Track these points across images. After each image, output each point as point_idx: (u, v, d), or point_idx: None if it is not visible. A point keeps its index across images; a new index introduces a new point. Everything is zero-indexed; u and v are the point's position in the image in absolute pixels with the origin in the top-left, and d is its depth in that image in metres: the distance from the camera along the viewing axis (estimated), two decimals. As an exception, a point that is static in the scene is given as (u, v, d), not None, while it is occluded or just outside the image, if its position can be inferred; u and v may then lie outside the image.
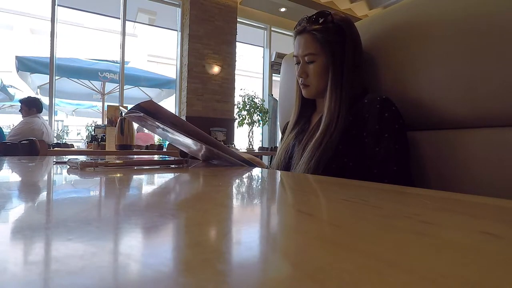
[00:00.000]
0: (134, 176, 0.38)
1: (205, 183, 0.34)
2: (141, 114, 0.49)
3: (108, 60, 5.03)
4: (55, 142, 3.27)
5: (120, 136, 1.77)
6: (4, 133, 3.02)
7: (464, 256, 0.12)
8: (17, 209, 0.20)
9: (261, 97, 5.17)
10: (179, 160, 0.54)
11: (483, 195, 0.25)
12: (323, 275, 0.09)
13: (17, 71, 4.30)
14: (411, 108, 0.65)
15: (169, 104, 5.18)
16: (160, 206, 0.22)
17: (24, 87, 5.64)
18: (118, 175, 0.39)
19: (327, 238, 0.13)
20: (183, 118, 4.32)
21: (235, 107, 4.71)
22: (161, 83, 4.94)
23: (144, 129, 5.57)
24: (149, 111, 0.49)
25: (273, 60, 5.28)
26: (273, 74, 5.39)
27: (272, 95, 5.23)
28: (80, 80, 4.77)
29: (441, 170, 0.60)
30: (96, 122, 5.23)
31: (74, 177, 0.38)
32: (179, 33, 4.60)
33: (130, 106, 0.58)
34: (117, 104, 4.16)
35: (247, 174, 0.44)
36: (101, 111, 4.95)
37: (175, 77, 4.70)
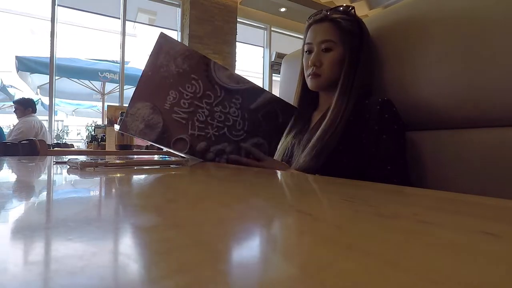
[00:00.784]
0: (134, 176, 0.38)
1: (205, 183, 0.34)
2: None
3: (108, 60, 5.03)
4: (55, 142, 3.28)
5: (120, 136, 1.77)
6: (4, 133, 3.03)
7: (464, 256, 0.12)
8: (17, 209, 0.20)
9: (261, 97, 5.16)
10: (179, 160, 0.54)
11: (483, 195, 0.25)
12: (323, 275, 0.09)
13: (17, 71, 4.30)
14: (411, 108, 0.65)
15: (169, 104, 5.17)
16: (160, 205, 0.22)
17: (24, 87, 5.64)
18: (118, 175, 0.39)
19: (327, 238, 0.13)
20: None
21: (235, 107, 4.70)
22: (161, 83, 4.93)
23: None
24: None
25: (273, 60, 5.28)
26: (273, 74, 5.38)
27: (272, 95, 5.22)
28: (80, 80, 4.77)
29: (440, 170, 0.60)
30: (96, 122, 5.23)
31: (74, 177, 0.38)
32: (179, 33, 4.60)
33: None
34: (117, 104, 4.17)
35: (247, 174, 0.44)
36: (101, 111, 4.94)
37: (175, 77, 4.69)
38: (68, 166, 0.47)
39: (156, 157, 0.72)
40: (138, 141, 3.67)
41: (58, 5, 3.92)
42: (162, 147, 0.62)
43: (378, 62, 0.72)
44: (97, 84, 5.00)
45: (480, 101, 0.55)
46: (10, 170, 0.50)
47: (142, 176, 0.38)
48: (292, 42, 5.44)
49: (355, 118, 0.64)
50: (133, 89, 0.61)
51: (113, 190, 0.30)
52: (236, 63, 4.69)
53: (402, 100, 0.64)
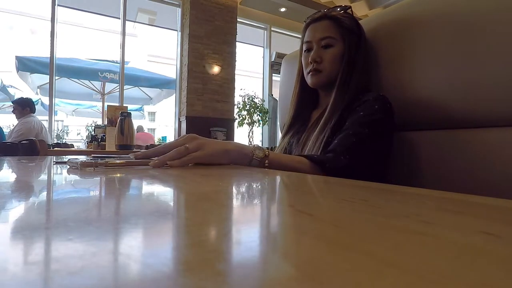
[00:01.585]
0: (134, 176, 0.38)
1: (205, 182, 0.34)
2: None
3: (108, 60, 5.03)
4: (55, 142, 3.28)
5: (120, 136, 1.77)
6: (4, 133, 3.03)
7: (464, 256, 0.12)
8: (17, 209, 0.20)
9: (261, 97, 5.17)
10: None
11: (483, 195, 0.25)
12: (323, 275, 0.09)
13: (17, 71, 4.30)
14: (410, 108, 0.65)
15: (169, 104, 5.19)
16: (160, 205, 0.22)
17: (24, 87, 5.64)
18: (118, 175, 0.39)
19: (327, 238, 0.13)
20: (183, 118, 4.32)
21: (235, 107, 4.71)
22: (161, 83, 4.94)
23: (144, 129, 5.58)
24: None
25: (273, 60, 5.28)
26: (273, 74, 5.39)
27: (272, 95, 5.23)
28: (80, 80, 4.77)
29: (440, 170, 0.60)
30: (96, 122, 5.23)
31: (74, 177, 0.38)
32: (179, 33, 4.60)
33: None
34: (117, 104, 4.17)
35: (246, 174, 0.44)
36: (101, 111, 4.95)
37: (175, 77, 4.69)
38: (68, 166, 0.48)
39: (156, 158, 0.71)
40: (138, 141, 3.68)
41: (58, 5, 3.92)
42: None
43: (377, 62, 0.72)
44: (97, 84, 5.00)
45: (479, 101, 0.55)
46: (10, 170, 0.50)
47: (142, 176, 0.38)
48: (292, 42, 5.44)
49: (348, 111, 0.65)
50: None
51: (113, 190, 0.30)
52: (236, 63, 4.69)
53: (400, 99, 0.64)
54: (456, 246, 0.13)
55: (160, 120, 14.09)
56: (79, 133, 7.45)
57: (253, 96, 4.86)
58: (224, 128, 4.48)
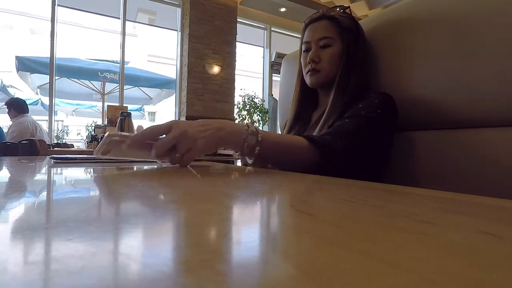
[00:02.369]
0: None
1: (204, 182, 0.34)
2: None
3: (108, 60, 5.03)
4: (55, 142, 3.27)
5: (120, 136, 1.77)
6: (4, 133, 3.02)
7: (464, 256, 0.12)
8: (17, 208, 0.20)
9: (261, 97, 5.17)
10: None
11: (483, 195, 0.25)
12: (323, 275, 0.09)
13: (17, 71, 4.30)
14: (411, 108, 0.65)
15: (169, 104, 5.18)
16: (161, 205, 0.22)
17: (24, 87, 5.64)
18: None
19: (327, 238, 0.13)
20: (183, 118, 4.32)
21: (235, 107, 4.70)
22: (161, 83, 4.93)
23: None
24: None
25: (273, 60, 5.28)
26: (273, 74, 5.39)
27: (272, 95, 5.23)
28: (80, 80, 4.76)
29: (440, 170, 0.60)
30: (96, 122, 5.23)
31: (74, 176, 0.38)
32: (179, 33, 4.60)
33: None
34: (117, 104, 4.16)
35: (246, 173, 0.44)
36: (101, 111, 4.94)
37: (175, 77, 4.69)
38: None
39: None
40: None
41: (58, 5, 3.92)
42: None
43: (377, 62, 0.72)
44: (97, 84, 4.99)
45: (479, 101, 0.55)
46: (10, 170, 0.50)
47: (147, 172, 0.38)
48: (292, 42, 5.44)
49: (348, 108, 0.65)
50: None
51: (113, 188, 0.30)
52: (236, 63, 4.69)
53: (400, 99, 0.64)
54: (456, 246, 0.13)
55: (160, 120, 14.10)
56: (79, 133, 7.44)
57: (253, 96, 4.86)
58: (224, 128, 4.47)
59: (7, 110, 2.91)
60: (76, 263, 0.10)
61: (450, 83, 0.59)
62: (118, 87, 4.48)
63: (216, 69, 4.47)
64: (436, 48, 0.61)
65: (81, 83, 4.85)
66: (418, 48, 0.64)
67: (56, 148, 2.71)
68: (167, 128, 0.46)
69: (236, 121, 4.68)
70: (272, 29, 5.44)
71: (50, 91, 3.92)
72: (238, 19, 4.72)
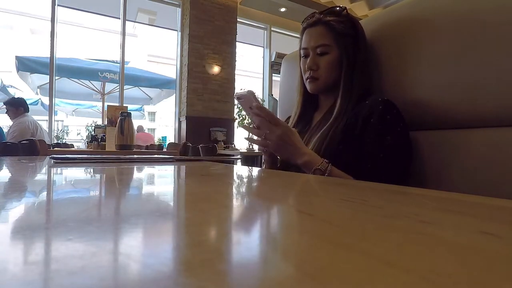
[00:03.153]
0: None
1: (204, 182, 0.34)
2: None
3: (108, 60, 5.03)
4: (55, 142, 3.27)
5: (120, 136, 1.77)
6: (4, 133, 3.02)
7: (464, 256, 0.12)
8: (18, 208, 0.20)
9: (261, 97, 5.17)
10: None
11: (483, 195, 0.25)
12: (323, 275, 0.09)
13: (17, 71, 4.30)
14: (411, 108, 0.65)
15: (169, 104, 5.18)
16: (160, 205, 0.22)
17: (24, 87, 5.64)
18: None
19: (327, 238, 0.13)
20: (183, 118, 4.33)
21: (235, 107, 4.70)
22: (161, 83, 4.94)
23: (144, 129, 5.57)
24: None
25: (273, 60, 5.28)
26: (273, 74, 5.39)
27: (272, 95, 5.22)
28: (80, 80, 4.77)
29: (440, 170, 0.60)
30: (96, 122, 5.23)
31: (74, 176, 0.38)
32: (179, 33, 4.60)
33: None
34: (117, 104, 4.17)
35: (245, 173, 0.44)
36: (101, 111, 4.94)
37: (175, 77, 4.69)
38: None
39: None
40: (138, 141, 3.67)
41: (58, 5, 3.92)
42: None
43: (378, 62, 0.72)
44: (97, 84, 4.99)
45: (479, 101, 0.55)
46: (10, 170, 0.50)
47: (147, 172, 0.38)
48: (292, 42, 5.44)
49: (356, 118, 0.64)
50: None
51: (114, 188, 0.30)
52: (236, 63, 4.69)
53: (401, 100, 0.64)
54: (456, 246, 0.13)
55: (160, 120, 14.10)
56: (79, 133, 7.44)
57: (253, 96, 4.84)
58: (224, 128, 4.48)
59: (6, 110, 2.90)
60: (76, 263, 0.10)
61: (451, 83, 0.59)
62: (118, 87, 4.48)
63: (216, 69, 4.47)
64: (437, 48, 0.61)
65: (81, 83, 4.86)
66: (418, 49, 0.64)
67: (56, 148, 2.71)
68: (277, 122, 0.65)
69: (236, 121, 4.68)
70: (272, 29, 5.44)
71: (50, 91, 3.92)
72: (238, 19, 4.72)
